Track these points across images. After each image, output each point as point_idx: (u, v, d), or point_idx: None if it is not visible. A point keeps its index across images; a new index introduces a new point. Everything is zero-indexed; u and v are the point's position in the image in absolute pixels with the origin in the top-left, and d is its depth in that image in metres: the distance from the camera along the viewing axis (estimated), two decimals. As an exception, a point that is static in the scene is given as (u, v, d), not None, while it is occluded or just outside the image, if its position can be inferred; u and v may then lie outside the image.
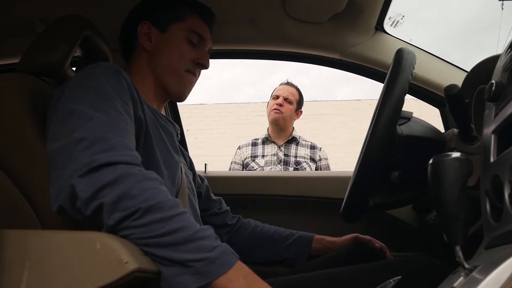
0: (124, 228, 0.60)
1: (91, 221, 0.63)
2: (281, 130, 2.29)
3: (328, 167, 2.29)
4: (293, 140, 2.29)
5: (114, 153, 0.64)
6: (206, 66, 1.02)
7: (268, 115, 2.29)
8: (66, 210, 0.63)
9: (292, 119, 2.31)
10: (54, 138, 0.70)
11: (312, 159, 2.26)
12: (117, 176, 0.61)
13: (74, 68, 1.02)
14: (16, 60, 0.95)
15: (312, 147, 2.30)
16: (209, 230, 0.65)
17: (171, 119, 1.00)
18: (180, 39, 0.97)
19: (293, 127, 2.34)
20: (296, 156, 2.25)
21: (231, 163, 2.35)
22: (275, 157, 2.25)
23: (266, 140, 2.32)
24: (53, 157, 0.67)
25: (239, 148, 2.37)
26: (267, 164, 2.24)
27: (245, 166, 2.29)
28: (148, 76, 0.97)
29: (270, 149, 2.29)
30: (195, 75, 1.01)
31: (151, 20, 0.97)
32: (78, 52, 1.03)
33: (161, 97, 1.00)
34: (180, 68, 0.97)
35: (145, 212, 0.60)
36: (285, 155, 2.25)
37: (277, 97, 2.26)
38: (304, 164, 2.23)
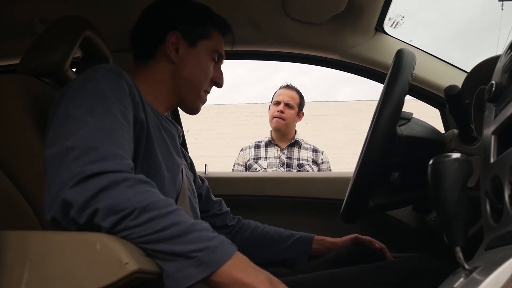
0: (122, 230, 0.60)
1: (86, 229, 0.63)
2: (283, 135, 2.30)
3: (329, 170, 2.30)
4: (295, 144, 2.31)
5: (105, 163, 0.64)
6: (221, 86, 1.03)
7: (270, 122, 2.30)
8: (59, 221, 0.63)
9: (294, 123, 2.31)
10: (49, 143, 0.70)
11: (315, 162, 2.27)
12: (109, 183, 0.62)
13: (74, 69, 1.02)
14: (16, 61, 0.95)
15: (315, 150, 2.31)
16: (205, 223, 0.66)
17: (173, 121, 1.00)
18: (206, 57, 0.97)
19: (296, 130, 2.35)
20: (299, 159, 2.26)
21: (234, 165, 2.36)
22: (278, 159, 2.26)
23: (269, 143, 2.33)
24: (46, 164, 0.67)
25: (242, 150, 2.39)
26: (270, 166, 2.25)
27: (247, 167, 2.30)
28: (164, 84, 0.95)
29: (273, 151, 2.30)
30: (208, 93, 1.02)
31: (181, 31, 0.95)
32: (78, 53, 1.03)
33: (171, 105, 0.99)
34: (200, 87, 0.98)
35: (141, 212, 0.61)
36: (288, 157, 2.26)
37: (278, 103, 2.26)
38: (307, 167, 2.24)
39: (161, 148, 0.86)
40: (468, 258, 0.53)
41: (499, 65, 0.73)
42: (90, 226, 0.62)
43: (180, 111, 1.80)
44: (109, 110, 0.73)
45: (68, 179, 0.62)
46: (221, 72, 1.03)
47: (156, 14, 0.97)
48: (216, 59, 1.00)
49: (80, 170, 0.62)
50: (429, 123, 0.93)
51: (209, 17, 1.00)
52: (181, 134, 1.03)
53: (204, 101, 1.01)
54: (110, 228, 0.60)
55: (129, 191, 0.62)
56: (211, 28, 0.99)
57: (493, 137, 0.63)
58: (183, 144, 1.65)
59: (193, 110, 1.01)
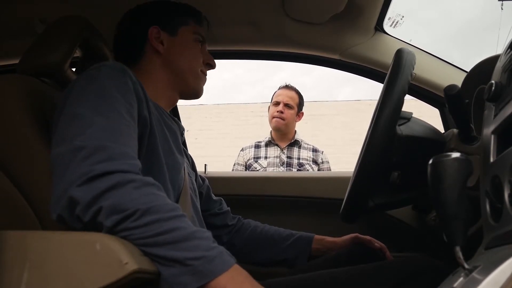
0: (123, 230, 0.61)
1: (91, 227, 0.63)
2: (283, 134, 2.31)
3: (329, 170, 2.30)
4: (295, 143, 2.32)
5: (113, 163, 0.64)
6: (214, 66, 1.07)
7: (270, 122, 2.31)
8: (65, 218, 0.64)
9: (294, 123, 2.33)
10: (57, 142, 0.70)
11: (315, 161, 2.28)
12: (116, 182, 0.62)
13: (74, 69, 1.02)
14: (16, 61, 0.95)
15: (314, 150, 2.32)
16: (208, 232, 0.65)
17: (176, 119, 1.00)
18: (190, 40, 1.02)
19: (295, 130, 2.36)
20: (299, 158, 2.27)
21: (234, 165, 2.37)
22: (278, 159, 2.27)
23: (269, 143, 2.34)
24: (54, 163, 0.67)
25: (242, 150, 2.39)
26: (270, 165, 2.26)
27: (248, 167, 2.31)
28: (161, 78, 0.98)
29: (273, 151, 2.31)
30: (206, 75, 1.06)
31: (160, 25, 0.99)
32: (78, 53, 1.03)
33: (173, 98, 1.02)
34: (195, 68, 1.02)
35: (143, 214, 0.61)
36: (288, 157, 2.27)
37: (277, 103, 2.28)
38: (307, 166, 2.24)
39: (163, 146, 0.86)
40: (468, 258, 0.53)
41: (499, 64, 0.73)
42: (94, 224, 0.62)
43: (180, 112, 1.80)
44: (115, 108, 0.73)
45: (76, 178, 0.62)
46: (209, 54, 1.07)
47: (133, 15, 1.01)
48: (201, 41, 1.04)
49: (88, 169, 0.62)
50: (429, 122, 0.93)
51: (182, 7, 1.04)
52: (183, 131, 1.04)
53: (204, 80, 1.05)
54: (112, 227, 0.61)
55: (135, 192, 0.62)
56: (187, 16, 1.03)
57: (492, 136, 0.63)
58: (183, 143, 1.65)
59: (197, 93, 1.04)
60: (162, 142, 0.87)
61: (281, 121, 2.25)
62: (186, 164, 1.00)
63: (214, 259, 0.61)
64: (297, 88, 2.34)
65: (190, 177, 1.02)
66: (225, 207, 1.19)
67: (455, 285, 0.49)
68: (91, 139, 0.66)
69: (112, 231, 0.61)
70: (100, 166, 0.63)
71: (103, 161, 0.64)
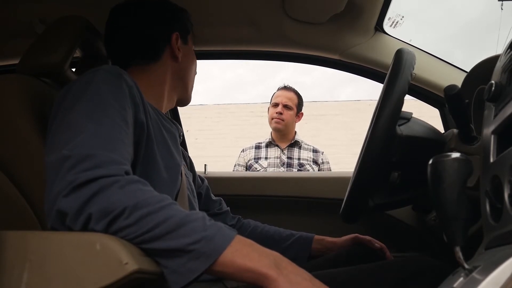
0: (117, 231, 0.60)
1: None
2: (283, 135, 2.32)
3: (329, 170, 2.31)
4: (295, 144, 2.33)
5: (98, 170, 0.63)
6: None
7: (270, 123, 2.32)
8: (58, 230, 0.63)
9: (294, 123, 2.34)
10: (48, 150, 0.69)
11: (315, 162, 2.29)
12: (100, 187, 0.61)
13: (73, 69, 1.02)
14: (16, 61, 0.95)
15: (315, 150, 2.33)
16: (201, 213, 0.64)
17: (174, 121, 1.00)
18: (193, 50, 1.05)
19: (296, 131, 2.36)
20: (299, 159, 2.28)
21: (235, 166, 2.37)
22: (278, 159, 2.27)
23: (269, 144, 2.35)
24: (46, 171, 0.67)
25: (242, 151, 2.40)
26: (270, 166, 2.26)
27: (248, 167, 2.32)
28: (169, 83, 0.99)
29: (273, 152, 2.32)
30: None
31: (179, 31, 0.99)
32: (78, 53, 1.03)
33: (172, 103, 1.04)
34: (194, 79, 1.07)
35: (132, 210, 0.60)
36: (288, 157, 2.28)
37: (276, 104, 2.28)
38: (307, 166, 2.25)
39: (161, 149, 0.86)
40: (468, 258, 0.53)
41: (499, 64, 0.73)
42: (86, 231, 0.62)
43: (180, 112, 1.80)
44: (107, 114, 0.72)
45: (61, 188, 0.61)
46: None
47: (156, 16, 0.98)
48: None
49: (73, 178, 0.61)
50: (429, 123, 0.93)
51: (186, 12, 1.04)
52: (182, 133, 1.03)
53: None
54: (104, 230, 0.60)
55: (120, 192, 0.61)
56: (190, 23, 1.05)
57: (492, 136, 0.63)
58: (183, 144, 1.65)
59: (188, 101, 1.09)
60: (160, 144, 0.86)
61: (281, 122, 2.25)
62: (183, 165, 1.00)
63: (214, 237, 0.60)
64: (296, 89, 2.34)
65: (188, 177, 1.02)
66: (225, 207, 1.19)
67: (455, 285, 0.49)
68: (79, 147, 0.65)
69: (106, 234, 0.61)
70: (85, 174, 0.62)
71: (88, 169, 0.63)
